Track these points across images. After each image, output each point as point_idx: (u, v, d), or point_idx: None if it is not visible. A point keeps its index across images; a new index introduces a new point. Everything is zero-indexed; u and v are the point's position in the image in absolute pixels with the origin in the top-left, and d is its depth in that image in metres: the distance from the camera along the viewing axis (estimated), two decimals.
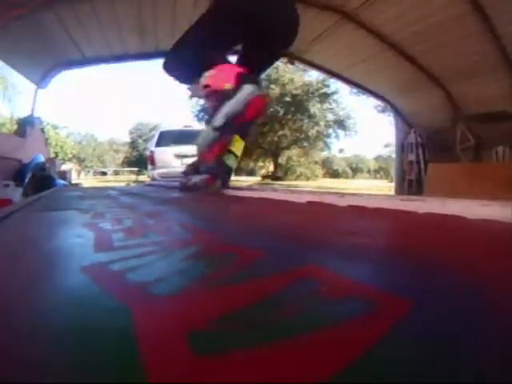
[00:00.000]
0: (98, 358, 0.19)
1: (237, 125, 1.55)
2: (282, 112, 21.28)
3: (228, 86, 1.48)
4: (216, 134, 1.58)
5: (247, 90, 1.48)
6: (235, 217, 0.92)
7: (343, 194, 1.08)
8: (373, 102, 12.55)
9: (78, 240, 0.53)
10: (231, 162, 1.69)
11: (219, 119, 1.53)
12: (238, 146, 1.69)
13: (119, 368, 0.18)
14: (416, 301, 0.26)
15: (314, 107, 21.39)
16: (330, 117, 22.31)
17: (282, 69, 20.56)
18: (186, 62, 1.66)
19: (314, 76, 20.79)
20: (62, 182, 5.59)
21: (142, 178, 18.22)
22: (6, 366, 0.19)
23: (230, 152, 1.67)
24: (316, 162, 28.58)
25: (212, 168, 1.66)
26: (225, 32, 1.63)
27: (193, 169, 1.81)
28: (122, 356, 0.20)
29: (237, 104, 1.49)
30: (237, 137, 1.69)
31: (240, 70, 1.53)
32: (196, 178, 1.70)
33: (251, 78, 1.52)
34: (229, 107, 1.50)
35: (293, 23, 1.70)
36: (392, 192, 7.66)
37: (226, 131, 1.57)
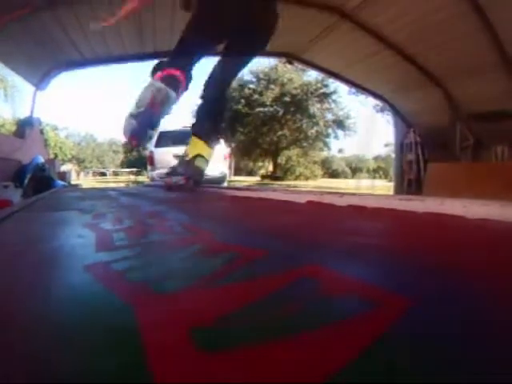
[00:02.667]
0: (102, 355, 0.20)
1: (149, 113, 1.72)
2: (281, 112, 21.30)
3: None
4: (132, 121, 1.75)
5: (150, 85, 1.71)
6: (235, 216, 0.92)
7: (343, 194, 1.08)
8: (372, 101, 12.57)
9: (79, 240, 0.53)
10: (202, 164, 1.96)
11: (133, 108, 1.76)
12: (206, 151, 1.97)
13: (123, 365, 0.19)
14: (415, 299, 0.27)
15: (314, 107, 21.38)
16: (330, 117, 22.35)
17: (281, 69, 20.57)
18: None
19: (313, 76, 20.85)
20: (62, 182, 5.58)
21: (141, 178, 18.21)
22: (11, 364, 0.19)
23: (201, 156, 1.94)
24: (315, 162, 28.55)
25: (186, 170, 1.97)
26: (205, 35, 1.81)
27: (173, 171, 2.11)
28: (125, 353, 0.20)
29: (142, 96, 1.71)
30: (202, 143, 1.96)
31: (169, 71, 1.71)
32: (175, 179, 2.04)
33: (169, 79, 1.69)
34: (137, 97, 1.74)
35: (267, 30, 1.90)
36: (391, 192, 7.67)
37: (142, 118, 1.74)
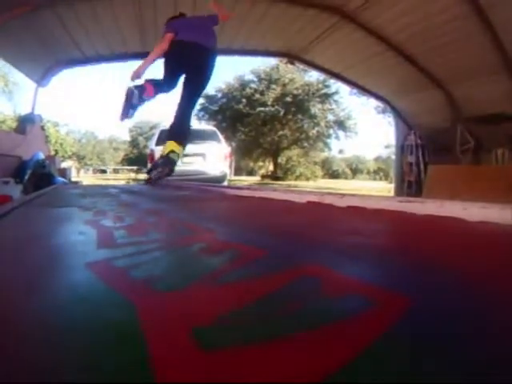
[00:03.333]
0: (104, 353, 0.20)
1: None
2: (282, 112, 21.26)
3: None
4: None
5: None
6: (236, 216, 0.92)
7: (343, 195, 1.09)
8: (373, 102, 12.57)
9: (80, 237, 0.54)
10: (175, 157, 2.80)
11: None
12: (177, 148, 2.80)
13: (125, 363, 0.19)
14: (415, 299, 0.27)
15: (315, 107, 21.34)
16: (331, 117, 22.31)
17: (282, 69, 20.55)
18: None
19: (314, 76, 20.81)
20: (62, 179, 5.57)
21: (141, 176, 18.18)
22: (13, 362, 0.19)
23: (173, 152, 2.78)
24: (316, 163, 28.49)
25: (164, 162, 2.80)
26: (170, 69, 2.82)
27: (155, 165, 2.91)
28: (127, 351, 0.20)
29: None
30: (174, 143, 2.79)
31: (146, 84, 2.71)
32: (155, 172, 2.82)
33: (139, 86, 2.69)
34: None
35: (208, 68, 2.84)
36: (391, 193, 7.66)
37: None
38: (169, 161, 2.78)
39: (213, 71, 2.91)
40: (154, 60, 2.76)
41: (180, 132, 2.86)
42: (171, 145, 2.79)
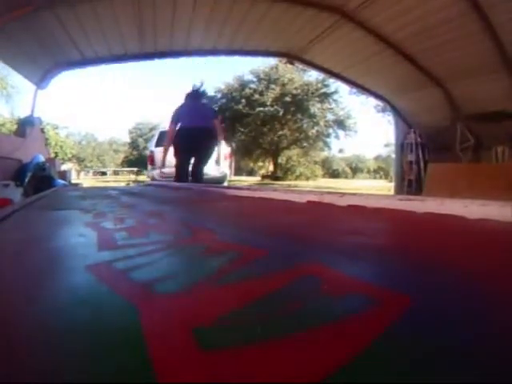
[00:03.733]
0: (106, 355, 0.20)
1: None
2: (281, 112, 21.24)
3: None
4: None
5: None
6: (236, 216, 0.92)
7: (343, 194, 1.09)
8: (373, 101, 12.56)
9: (81, 239, 0.54)
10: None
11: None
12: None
13: (127, 364, 0.19)
14: (416, 298, 0.27)
15: (314, 107, 21.33)
16: (330, 117, 22.29)
17: (281, 69, 20.55)
18: None
19: (313, 76, 20.79)
20: (62, 181, 5.57)
21: (141, 178, 18.18)
22: (14, 363, 0.19)
23: None
24: (316, 162, 28.47)
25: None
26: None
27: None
28: (129, 352, 0.20)
29: None
30: None
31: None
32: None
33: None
34: None
35: (210, 147, 3.60)
36: (392, 192, 7.66)
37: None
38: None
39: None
40: None
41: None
42: None
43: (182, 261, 0.41)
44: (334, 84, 20.44)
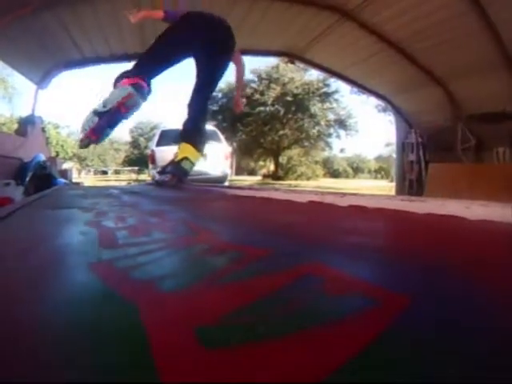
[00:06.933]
0: (108, 354, 0.20)
1: (114, 114, 1.95)
2: (282, 111, 21.23)
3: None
4: (95, 118, 1.94)
5: (122, 88, 1.91)
6: (238, 216, 0.92)
7: (344, 194, 1.09)
8: (373, 101, 12.54)
9: (82, 238, 0.54)
10: (187, 166, 2.31)
11: (99, 106, 1.94)
12: (194, 155, 2.31)
13: (129, 363, 0.19)
14: (416, 298, 0.27)
15: (315, 106, 21.31)
16: (331, 116, 22.27)
17: (282, 68, 20.52)
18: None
19: (314, 75, 20.77)
20: (63, 180, 5.58)
21: (142, 177, 18.21)
22: (16, 362, 0.19)
23: (187, 159, 2.29)
24: (317, 162, 28.44)
25: (173, 170, 2.33)
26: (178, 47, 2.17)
27: (164, 170, 2.47)
28: (132, 351, 0.20)
29: (112, 97, 1.92)
30: (191, 148, 2.28)
31: (139, 81, 1.97)
32: (162, 177, 2.41)
33: (139, 88, 1.97)
34: (106, 97, 1.94)
35: (228, 46, 2.29)
36: (393, 192, 7.65)
37: (107, 117, 1.96)
38: (179, 169, 2.30)
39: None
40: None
41: (196, 132, 2.34)
42: (186, 149, 2.30)
43: (183, 260, 0.41)
44: (335, 83, 20.43)
